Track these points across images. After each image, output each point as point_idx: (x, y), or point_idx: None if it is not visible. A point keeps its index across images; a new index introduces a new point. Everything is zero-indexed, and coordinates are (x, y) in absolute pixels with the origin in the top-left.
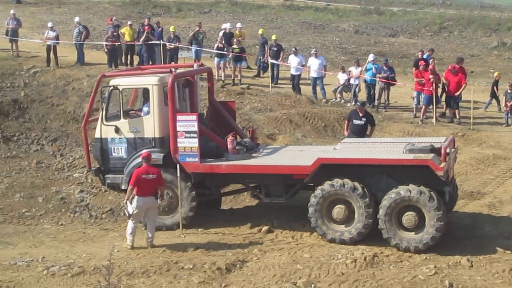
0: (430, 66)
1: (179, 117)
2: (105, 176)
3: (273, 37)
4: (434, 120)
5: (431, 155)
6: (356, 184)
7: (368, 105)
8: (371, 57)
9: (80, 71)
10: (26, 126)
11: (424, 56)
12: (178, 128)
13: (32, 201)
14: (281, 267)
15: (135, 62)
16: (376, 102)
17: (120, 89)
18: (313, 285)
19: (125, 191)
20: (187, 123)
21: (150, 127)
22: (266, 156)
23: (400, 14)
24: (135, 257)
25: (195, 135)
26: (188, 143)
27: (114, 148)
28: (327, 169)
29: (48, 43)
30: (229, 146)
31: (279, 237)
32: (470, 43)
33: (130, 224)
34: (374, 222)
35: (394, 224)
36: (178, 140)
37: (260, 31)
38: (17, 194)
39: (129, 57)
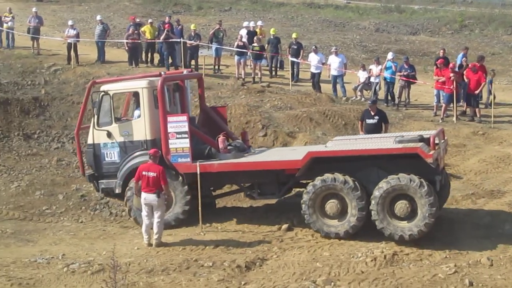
0: (451, 65)
1: (169, 119)
2: (99, 181)
3: (294, 35)
4: (454, 118)
5: (420, 143)
6: (347, 177)
7: (386, 103)
8: (390, 55)
9: (100, 69)
10: (47, 123)
11: (460, 55)
12: (169, 129)
13: (52, 198)
14: (301, 265)
15: (156, 60)
16: (396, 100)
17: (111, 94)
18: (332, 283)
19: (119, 195)
20: (178, 124)
21: (142, 130)
22: (258, 155)
23: (421, 12)
24: (154, 254)
25: (186, 135)
26: (179, 144)
27: (107, 153)
28: (318, 164)
29: (68, 41)
30: (220, 146)
31: (299, 235)
32: (491, 41)
33: (143, 222)
34: (368, 214)
35: (387, 214)
36: (170, 141)
37: (271, 31)
38: (38, 192)
39: (149, 55)
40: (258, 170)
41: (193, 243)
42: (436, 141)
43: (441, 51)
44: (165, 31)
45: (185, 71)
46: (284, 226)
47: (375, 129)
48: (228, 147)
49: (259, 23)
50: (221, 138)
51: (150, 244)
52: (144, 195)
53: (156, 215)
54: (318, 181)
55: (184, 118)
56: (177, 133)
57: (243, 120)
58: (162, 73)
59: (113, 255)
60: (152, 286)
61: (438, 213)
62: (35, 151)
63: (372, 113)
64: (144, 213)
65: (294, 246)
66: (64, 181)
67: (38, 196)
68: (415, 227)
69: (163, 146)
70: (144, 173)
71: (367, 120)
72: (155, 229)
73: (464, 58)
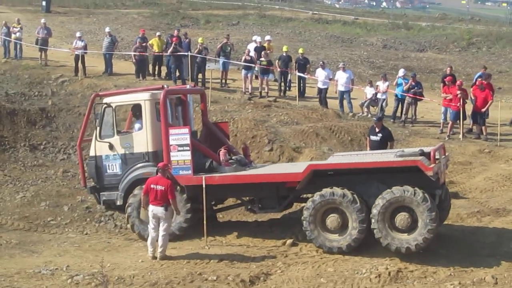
0: (458, 82)
1: (171, 131)
2: (101, 193)
3: (300, 51)
4: (461, 136)
5: (421, 157)
6: (346, 191)
7: (393, 120)
8: (401, 72)
9: (107, 81)
10: (53, 135)
11: (479, 74)
12: (171, 142)
13: (57, 209)
14: (305, 280)
15: (163, 73)
16: (403, 117)
17: (113, 106)
18: None
19: (120, 207)
20: (180, 136)
21: (143, 142)
22: (259, 169)
23: (429, 29)
24: (159, 267)
25: (188, 148)
26: (181, 156)
27: (108, 165)
28: (319, 178)
29: (76, 52)
30: (222, 158)
31: (303, 251)
32: (499, 59)
33: (149, 235)
34: (369, 227)
35: (386, 224)
36: (171, 153)
37: (284, 48)
38: (43, 203)
39: (157, 68)
40: (259, 183)
41: (198, 256)
42: (437, 156)
43: (448, 68)
44: (173, 44)
45: (188, 86)
46: (289, 241)
47: (379, 146)
48: (230, 161)
49: (267, 37)
50: (222, 152)
51: (154, 257)
52: (151, 207)
53: (162, 228)
54: (317, 196)
55: (186, 130)
56: (179, 145)
57: (249, 135)
58: (165, 86)
59: (102, 267)
60: None
61: (438, 228)
62: (41, 162)
63: (377, 130)
64: (151, 225)
65: (299, 261)
66: (70, 192)
67: (43, 207)
68: (414, 241)
69: (165, 158)
70: (152, 186)
71: (371, 136)
72: (160, 242)
73: (480, 78)
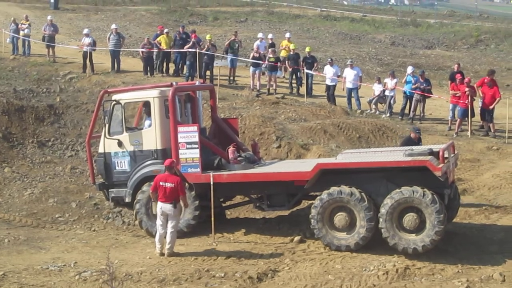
0: (466, 79)
1: (180, 129)
2: (109, 190)
3: (307, 49)
4: (469, 133)
5: (429, 157)
6: (354, 189)
7: (401, 117)
8: (409, 69)
9: (115, 78)
10: (61, 131)
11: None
12: (180, 140)
13: (65, 206)
14: (313, 277)
15: (171, 70)
16: (411, 114)
17: (122, 103)
18: None
19: (128, 204)
20: (188, 134)
21: (152, 139)
22: (268, 166)
23: (437, 26)
24: (166, 264)
25: (196, 146)
26: (189, 154)
27: (117, 162)
28: (327, 176)
29: (84, 49)
30: (230, 156)
31: (311, 247)
32: (507, 56)
33: (157, 231)
34: (377, 226)
35: (394, 224)
36: (180, 151)
37: (291, 46)
38: (51, 199)
39: (164, 64)
40: (267, 181)
41: (205, 253)
42: (446, 155)
43: (456, 65)
44: (192, 41)
45: (197, 83)
46: (297, 238)
47: None
48: (238, 158)
49: (287, 35)
50: (231, 149)
51: (162, 254)
52: (160, 204)
53: (170, 225)
54: (324, 195)
55: (195, 128)
56: (187, 143)
57: (257, 131)
58: (174, 83)
59: (108, 260)
60: None
61: (446, 228)
62: (49, 159)
63: (416, 141)
64: (159, 222)
65: (306, 258)
66: (78, 189)
67: (51, 204)
68: (421, 242)
69: (173, 156)
70: (161, 183)
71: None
72: (168, 239)
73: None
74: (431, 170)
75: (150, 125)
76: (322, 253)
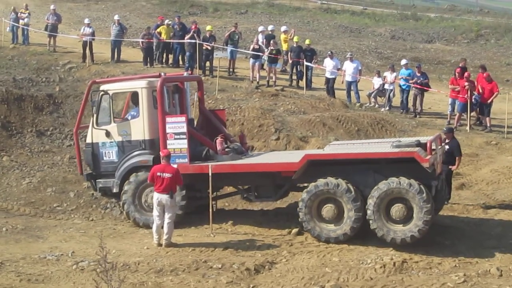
0: (466, 74)
1: (168, 119)
2: (97, 180)
3: (307, 42)
4: (468, 127)
5: (417, 148)
6: (340, 180)
7: (402, 110)
8: (403, 61)
9: (115, 68)
10: (60, 121)
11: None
12: (168, 130)
13: (63, 196)
14: (310, 269)
15: (170, 61)
16: (411, 108)
17: (110, 94)
18: None
19: (116, 195)
20: (176, 124)
21: (140, 129)
22: (255, 157)
23: (437, 21)
24: (164, 255)
25: (184, 136)
26: (177, 145)
27: (105, 152)
28: (315, 168)
29: (84, 39)
30: (218, 147)
31: (308, 240)
32: (507, 51)
33: (154, 222)
34: (365, 216)
35: (382, 215)
36: (168, 141)
37: (294, 39)
38: (49, 189)
39: (164, 55)
40: (255, 172)
41: (203, 244)
42: (433, 147)
43: (463, 62)
44: (192, 31)
45: (185, 74)
46: (294, 230)
47: (445, 158)
48: (226, 149)
49: (283, 28)
50: (219, 140)
51: (160, 244)
52: (157, 195)
53: (167, 215)
54: (311, 187)
55: (183, 119)
56: (175, 133)
57: (256, 123)
58: (162, 74)
59: (103, 250)
60: (160, 286)
61: (434, 219)
62: (47, 148)
63: (447, 141)
64: (155, 213)
65: (304, 250)
66: (76, 178)
67: (49, 193)
68: (409, 232)
69: (161, 147)
70: (159, 174)
71: None
72: (165, 230)
73: None
74: (419, 161)
75: (133, 116)
76: (319, 246)
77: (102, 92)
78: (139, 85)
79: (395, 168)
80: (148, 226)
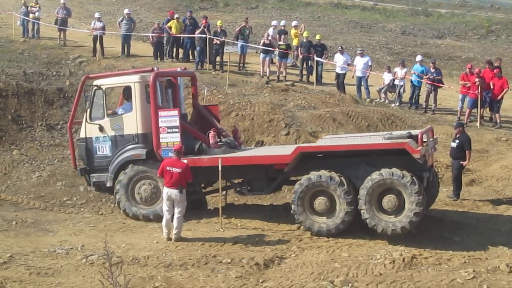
0: (476, 70)
1: (161, 113)
2: (91, 175)
3: (317, 37)
4: (478, 123)
5: (408, 140)
6: (333, 173)
7: (410, 106)
8: (418, 57)
9: (125, 62)
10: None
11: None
12: (160, 124)
13: (73, 189)
14: (319, 265)
15: (181, 55)
16: (424, 104)
17: (103, 89)
18: (350, 284)
19: (110, 189)
20: (169, 118)
21: (133, 124)
22: (248, 151)
23: (448, 16)
24: (173, 249)
25: (177, 130)
26: (170, 138)
27: (98, 147)
28: (308, 160)
29: (94, 33)
30: (211, 141)
31: None
32: None
33: (164, 216)
34: (357, 209)
35: (374, 206)
36: (161, 135)
37: (304, 34)
38: (59, 182)
39: (174, 50)
40: (247, 165)
41: (212, 239)
42: (425, 138)
43: (497, 61)
44: (202, 26)
45: (179, 69)
46: None
47: (455, 153)
48: (219, 143)
49: (294, 23)
50: (212, 134)
51: (169, 239)
52: (166, 190)
53: (177, 210)
54: (304, 179)
55: (175, 113)
56: (168, 127)
57: (266, 118)
58: (155, 68)
59: (106, 245)
60: (170, 281)
61: (425, 211)
62: (57, 142)
63: (457, 135)
64: (165, 207)
65: (313, 245)
66: None
67: (59, 187)
68: (400, 223)
69: (154, 140)
70: (168, 168)
71: (451, 143)
72: (174, 224)
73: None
74: (410, 153)
75: (131, 110)
76: (329, 241)
77: (96, 87)
78: (132, 80)
79: (387, 160)
80: (137, 218)
